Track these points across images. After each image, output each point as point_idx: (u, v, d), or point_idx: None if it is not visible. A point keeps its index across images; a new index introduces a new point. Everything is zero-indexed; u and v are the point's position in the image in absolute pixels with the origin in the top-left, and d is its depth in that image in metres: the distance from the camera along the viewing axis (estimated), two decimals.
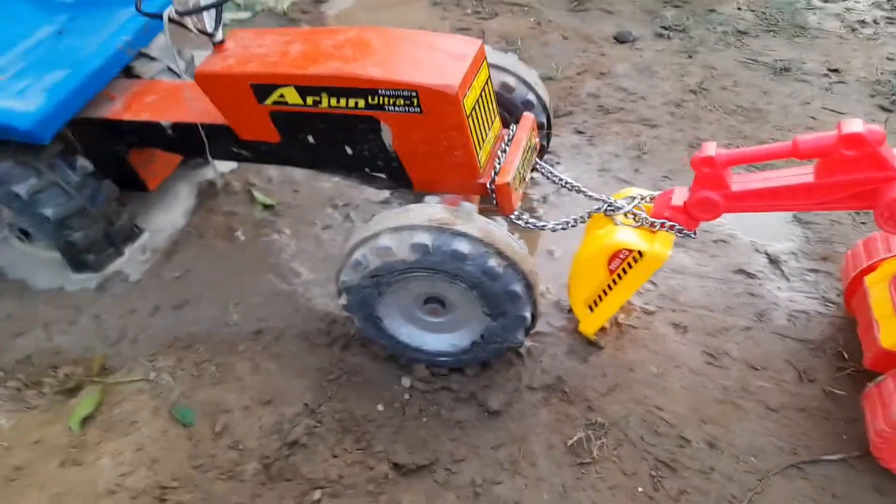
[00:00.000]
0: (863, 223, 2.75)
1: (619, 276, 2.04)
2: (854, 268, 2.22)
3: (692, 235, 1.98)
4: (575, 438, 2.07)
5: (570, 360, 2.30)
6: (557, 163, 3.11)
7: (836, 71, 3.71)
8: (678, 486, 1.96)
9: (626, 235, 1.99)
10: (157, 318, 2.40)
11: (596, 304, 2.17)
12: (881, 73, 3.65)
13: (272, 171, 3.01)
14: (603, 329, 2.34)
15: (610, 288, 2.09)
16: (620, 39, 4.01)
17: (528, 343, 2.33)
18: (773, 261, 2.62)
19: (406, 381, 2.21)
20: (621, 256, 2.00)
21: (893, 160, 1.62)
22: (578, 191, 2.31)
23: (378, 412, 2.13)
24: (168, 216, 2.84)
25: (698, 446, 2.05)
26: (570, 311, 2.39)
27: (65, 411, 2.03)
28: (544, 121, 2.59)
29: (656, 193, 2.08)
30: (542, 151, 2.74)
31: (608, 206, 2.07)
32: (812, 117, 3.36)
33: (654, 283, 2.55)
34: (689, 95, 3.53)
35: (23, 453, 1.90)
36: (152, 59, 2.81)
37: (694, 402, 2.17)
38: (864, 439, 2.03)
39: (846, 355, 2.26)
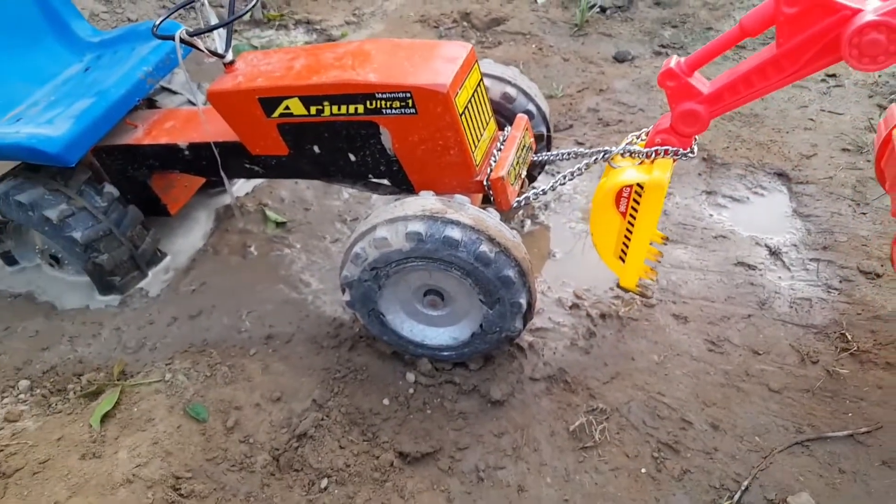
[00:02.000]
0: (863, 213, 2.77)
1: (631, 216, 2.04)
2: (886, 128, 2.13)
3: (690, 154, 1.97)
4: (577, 424, 2.10)
5: (572, 352, 2.35)
6: (559, 171, 3.20)
7: (833, 76, 3.76)
8: (681, 466, 1.97)
9: (623, 174, 2.00)
10: (174, 327, 2.52)
11: (625, 253, 2.16)
12: (879, 76, 3.70)
13: (284, 191, 3.16)
14: (640, 294, 2.40)
15: (630, 231, 2.09)
16: (619, 59, 4.14)
17: (529, 338, 2.38)
18: (774, 252, 2.65)
19: (410, 377, 2.27)
20: (625, 196, 2.01)
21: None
22: (575, 155, 2.37)
23: (383, 406, 2.19)
24: (188, 239, 3.00)
25: (701, 428, 2.06)
26: (572, 307, 2.45)
27: (87, 412, 2.13)
28: (544, 131, 2.68)
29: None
30: (544, 163, 2.84)
31: (604, 153, 2.11)
32: (811, 118, 3.41)
33: (655, 279, 2.59)
34: None
35: (47, 449, 2.00)
36: (174, 92, 3.02)
37: (695, 388, 2.19)
38: (870, 416, 2.02)
39: (849, 336, 2.27)
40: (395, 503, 1.92)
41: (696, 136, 1.97)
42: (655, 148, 1.97)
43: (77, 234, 2.48)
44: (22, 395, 2.26)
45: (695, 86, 1.83)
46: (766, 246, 2.68)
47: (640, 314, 2.45)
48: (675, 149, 1.96)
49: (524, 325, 2.14)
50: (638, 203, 2.00)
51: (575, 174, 2.24)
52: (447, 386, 2.24)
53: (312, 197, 3.16)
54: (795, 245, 2.67)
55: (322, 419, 2.12)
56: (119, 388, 2.19)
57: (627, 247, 2.12)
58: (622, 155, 2.07)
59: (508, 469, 2.01)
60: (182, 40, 2.12)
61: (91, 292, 2.72)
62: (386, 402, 2.20)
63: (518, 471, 2.00)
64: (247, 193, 3.19)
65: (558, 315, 2.48)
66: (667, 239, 2.35)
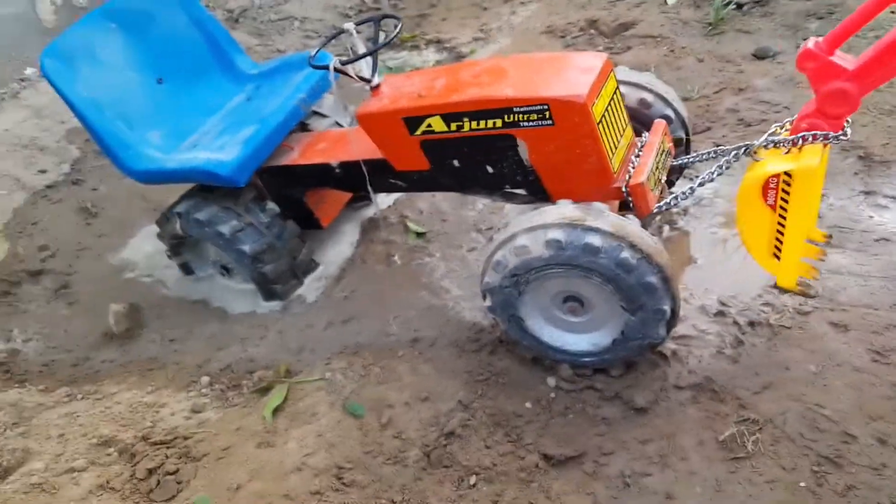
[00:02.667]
0: None
1: (782, 209, 1.92)
2: None
3: (842, 137, 1.82)
4: (727, 434, 2.04)
5: (719, 361, 2.28)
6: (696, 176, 3.12)
7: None
8: (845, 481, 1.87)
9: (768, 164, 1.90)
10: (330, 331, 2.73)
11: (779, 251, 2.01)
12: None
13: (423, 203, 3.32)
14: (802, 293, 2.16)
15: (782, 226, 1.96)
16: (760, 56, 3.95)
17: (672, 346, 2.35)
18: None
19: (551, 381, 2.31)
20: (772, 187, 1.90)
21: None
22: (715, 154, 2.31)
23: (526, 409, 2.25)
24: (337, 249, 3.24)
25: (866, 443, 1.94)
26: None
27: (259, 406, 2.38)
28: (682, 135, 2.64)
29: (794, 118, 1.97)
30: (683, 168, 2.78)
31: (745, 147, 2.03)
32: None
33: (809, 284, 2.46)
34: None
35: (228, 438, 2.26)
36: (323, 115, 3.28)
37: (859, 400, 2.06)
38: None
39: None
40: (541, 503, 1.98)
41: (848, 118, 1.83)
42: (802, 134, 1.84)
43: (246, 247, 2.76)
44: (204, 390, 2.55)
45: (839, 63, 1.71)
46: None
47: (793, 322, 2.34)
48: (824, 133, 1.81)
49: (668, 333, 2.12)
50: (788, 194, 1.87)
51: (715, 174, 2.16)
52: (588, 392, 2.26)
53: (449, 208, 3.30)
54: None
55: (468, 419, 2.22)
56: (286, 385, 2.42)
57: (781, 243, 1.98)
58: (765, 147, 1.96)
59: (655, 476, 1.99)
60: (336, 69, 2.33)
61: (256, 299, 3.01)
62: (528, 405, 2.26)
63: (665, 479, 1.98)
64: (388, 206, 3.39)
65: (702, 323, 2.42)
66: (830, 237, 2.18)
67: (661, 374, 2.27)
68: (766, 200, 1.93)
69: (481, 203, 3.31)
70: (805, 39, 1.72)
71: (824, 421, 2.02)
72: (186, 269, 3.24)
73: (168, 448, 2.25)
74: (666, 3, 4.83)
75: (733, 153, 2.10)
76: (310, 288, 3.01)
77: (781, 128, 1.99)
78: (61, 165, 4.07)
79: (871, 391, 2.07)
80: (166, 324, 3.02)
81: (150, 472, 2.17)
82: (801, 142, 1.86)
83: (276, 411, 2.33)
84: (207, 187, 2.85)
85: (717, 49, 4.14)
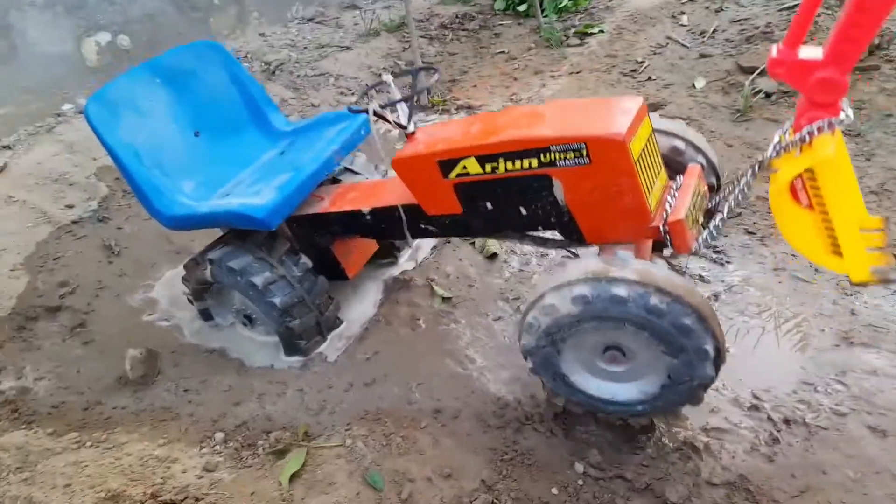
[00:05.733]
0: None
1: (820, 205, 1.85)
2: None
3: (844, 119, 1.78)
4: None
5: (753, 458, 2.21)
6: (728, 261, 3.11)
7: None
8: None
9: (787, 170, 1.86)
10: (351, 393, 2.67)
11: (838, 247, 1.89)
12: None
13: (449, 267, 3.30)
14: (884, 281, 1.93)
15: (827, 221, 1.87)
16: None
17: (704, 438, 2.29)
18: None
19: (579, 467, 2.24)
20: (801, 189, 1.86)
21: None
22: (737, 185, 2.22)
23: (552, 495, 2.17)
24: (360, 308, 3.20)
25: None
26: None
27: (275, 469, 2.29)
28: (714, 181, 2.63)
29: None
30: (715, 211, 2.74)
31: (758, 164, 2.02)
32: None
33: (844, 384, 2.41)
34: (871, 196, 3.40)
35: (241, 502, 2.17)
36: (355, 173, 3.31)
37: None
38: None
39: None
40: None
41: (844, 101, 1.81)
42: (807, 129, 1.81)
43: (277, 300, 2.73)
44: (218, 447, 2.47)
45: (808, 58, 1.75)
46: None
47: (829, 423, 2.28)
48: (825, 121, 1.78)
49: (717, 371, 2.03)
50: (818, 189, 1.83)
51: (740, 197, 2.17)
52: (618, 481, 2.19)
53: (475, 274, 3.28)
54: None
55: (492, 502, 2.13)
56: (304, 449, 2.34)
57: (835, 238, 1.89)
58: (777, 156, 1.92)
59: None
60: (375, 113, 2.37)
61: (277, 352, 2.96)
62: (555, 491, 2.18)
63: None
64: (413, 268, 3.37)
65: (735, 416, 2.36)
66: (886, 220, 1.98)
67: (693, 467, 2.19)
68: (801, 204, 1.90)
69: (508, 271, 3.29)
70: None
71: None
72: (206, 315, 3.20)
73: None
74: (694, 86, 4.94)
75: (749, 173, 2.10)
76: (331, 346, 2.96)
77: (784, 135, 1.95)
78: (89, 202, 4.08)
79: None
80: (182, 372, 2.95)
81: None
82: (808, 137, 1.82)
83: (293, 477, 2.24)
84: (240, 235, 2.85)
85: (745, 135, 4.21)
